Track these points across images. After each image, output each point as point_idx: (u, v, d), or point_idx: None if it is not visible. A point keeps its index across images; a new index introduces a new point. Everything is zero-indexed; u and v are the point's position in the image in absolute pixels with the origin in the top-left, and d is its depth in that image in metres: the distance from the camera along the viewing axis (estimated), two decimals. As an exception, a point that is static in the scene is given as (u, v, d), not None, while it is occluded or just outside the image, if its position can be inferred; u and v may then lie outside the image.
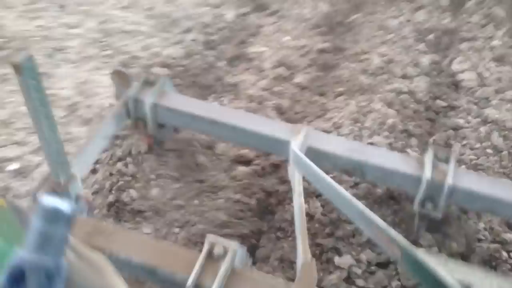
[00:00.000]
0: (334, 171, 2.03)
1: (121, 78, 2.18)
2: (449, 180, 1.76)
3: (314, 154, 1.93)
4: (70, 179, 1.74)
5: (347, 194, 1.52)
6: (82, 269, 0.92)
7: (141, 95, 2.12)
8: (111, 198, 2.09)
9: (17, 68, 1.39)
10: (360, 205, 1.44)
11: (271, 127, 2.04)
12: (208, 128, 2.12)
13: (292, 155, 1.88)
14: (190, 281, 1.43)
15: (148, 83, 2.17)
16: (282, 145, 1.96)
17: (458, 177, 1.78)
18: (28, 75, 1.41)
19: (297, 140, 1.92)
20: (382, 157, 1.91)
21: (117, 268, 1.66)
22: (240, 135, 2.07)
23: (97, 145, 1.99)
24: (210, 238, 1.54)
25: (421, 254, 1.20)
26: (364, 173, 1.92)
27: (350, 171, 1.95)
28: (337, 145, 1.96)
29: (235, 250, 1.52)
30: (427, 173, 1.79)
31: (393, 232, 1.28)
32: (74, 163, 1.82)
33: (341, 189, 1.56)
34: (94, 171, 2.22)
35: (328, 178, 1.63)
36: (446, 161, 1.83)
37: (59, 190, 1.75)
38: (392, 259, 1.29)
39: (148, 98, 2.10)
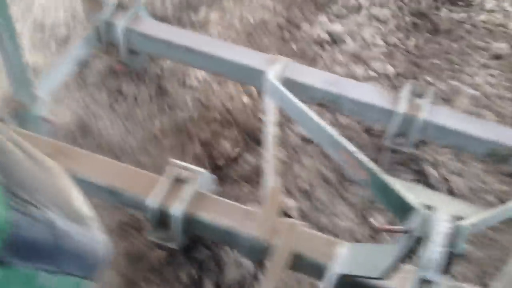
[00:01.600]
0: (310, 104, 1.98)
1: (92, 0, 2.07)
2: (422, 115, 1.74)
3: (290, 85, 1.87)
4: (34, 100, 1.67)
5: (319, 119, 1.48)
6: (30, 167, 0.85)
7: (113, 19, 2.02)
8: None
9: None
10: (330, 129, 1.41)
11: (247, 56, 1.97)
12: (183, 56, 2.04)
13: (268, 84, 1.82)
14: (151, 202, 1.40)
15: (122, 7, 2.06)
16: (258, 75, 1.89)
17: (431, 113, 1.76)
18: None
19: (274, 70, 1.85)
20: (358, 90, 1.87)
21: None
22: (216, 64, 1.99)
23: (64, 68, 1.91)
24: (174, 162, 1.51)
25: (388, 178, 1.18)
26: (340, 106, 1.89)
27: (327, 104, 1.91)
28: (314, 78, 1.91)
29: (200, 174, 1.50)
30: (401, 107, 1.76)
31: (362, 157, 1.25)
32: (39, 84, 1.75)
33: (314, 115, 1.52)
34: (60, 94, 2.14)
35: (302, 105, 1.59)
36: (422, 96, 1.80)
37: (22, 110, 1.69)
38: (361, 183, 1.27)
39: (121, 22, 2.00)
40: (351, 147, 1.31)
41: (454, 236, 0.99)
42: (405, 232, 1.04)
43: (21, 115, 1.68)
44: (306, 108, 1.56)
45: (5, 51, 1.50)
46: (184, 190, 1.45)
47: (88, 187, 1.50)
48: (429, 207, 1.06)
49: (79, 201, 0.75)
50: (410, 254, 1.03)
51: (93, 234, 0.72)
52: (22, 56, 1.57)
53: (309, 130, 1.59)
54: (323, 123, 1.46)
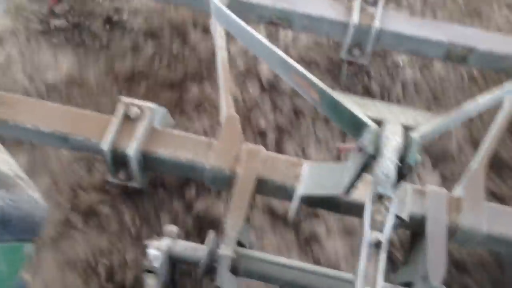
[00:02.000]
0: (260, 23, 1.90)
1: None
2: (376, 24, 1.69)
3: (237, 5, 1.78)
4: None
5: (267, 42, 1.42)
6: None
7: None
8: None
9: None
10: (280, 52, 1.35)
11: None
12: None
13: (213, 7, 1.72)
14: (105, 144, 1.36)
15: None
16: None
17: (385, 20, 1.71)
18: None
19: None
20: (309, 4, 1.79)
21: (26, 139, 1.57)
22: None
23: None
24: (124, 100, 1.44)
25: (338, 95, 1.16)
26: (291, 23, 1.81)
27: (277, 22, 1.83)
28: None
29: (153, 110, 1.45)
30: (354, 18, 1.71)
31: (311, 77, 1.22)
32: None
33: (262, 38, 1.45)
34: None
35: (248, 28, 1.51)
36: (374, 4, 1.74)
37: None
38: (313, 103, 1.25)
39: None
40: (300, 68, 1.26)
41: (406, 148, 0.99)
42: (359, 149, 1.04)
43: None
44: (253, 31, 1.49)
45: None
46: (137, 128, 1.41)
47: (37, 136, 1.44)
48: (380, 122, 1.06)
49: (1, 161, 0.71)
50: (365, 170, 1.04)
51: (22, 197, 0.68)
52: None
53: (258, 53, 1.53)
54: (271, 45, 1.40)
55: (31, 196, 0.73)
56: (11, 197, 0.68)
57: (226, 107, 1.50)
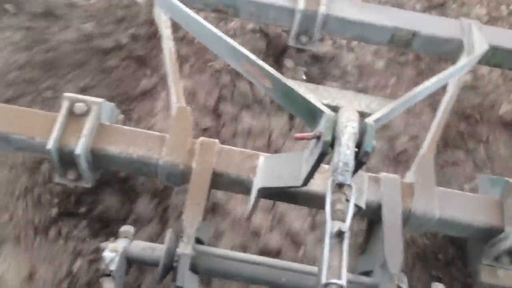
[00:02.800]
0: (206, 11, 1.85)
1: None
2: (322, 9, 1.69)
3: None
4: None
5: (216, 30, 1.38)
6: None
7: None
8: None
9: None
10: (230, 40, 1.32)
11: None
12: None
13: (157, -5, 1.67)
14: (50, 143, 1.28)
15: None
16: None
17: (330, 5, 1.72)
18: None
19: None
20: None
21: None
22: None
23: None
24: (67, 95, 1.37)
25: (291, 83, 1.15)
26: (237, 10, 1.79)
27: (222, 10, 1.80)
28: None
29: (99, 105, 1.38)
30: (300, 4, 1.70)
31: (263, 64, 1.20)
32: None
33: (210, 26, 1.41)
34: None
35: (195, 16, 1.47)
36: (320, -9, 1.74)
37: None
38: (265, 91, 1.23)
39: None
40: (251, 55, 1.24)
41: (362, 134, 1.00)
42: (316, 137, 1.04)
43: None
44: (200, 19, 1.44)
45: None
46: (84, 125, 1.34)
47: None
48: (335, 108, 1.05)
49: None
50: (322, 158, 1.04)
51: None
52: None
53: (207, 42, 1.49)
54: (220, 33, 1.36)
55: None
56: None
57: (177, 99, 1.46)
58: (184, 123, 1.41)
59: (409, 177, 1.44)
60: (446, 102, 1.53)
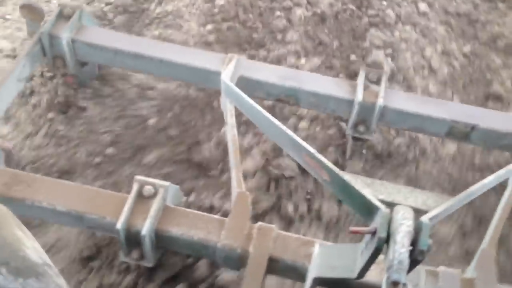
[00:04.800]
0: (268, 100, 1.98)
1: (32, 12, 1.98)
2: (380, 101, 1.76)
3: (246, 83, 1.87)
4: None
5: (278, 123, 1.48)
6: None
7: (56, 30, 1.94)
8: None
9: None
10: (290, 133, 1.41)
11: (200, 58, 1.94)
12: (134, 63, 1.99)
13: (223, 85, 1.81)
14: (119, 224, 1.38)
15: (64, 16, 1.98)
16: (213, 76, 1.88)
17: (388, 98, 1.79)
18: None
19: (228, 70, 1.83)
20: (315, 82, 1.87)
21: (42, 218, 1.60)
22: (168, 68, 1.96)
23: (11, 89, 1.83)
24: (138, 178, 1.48)
25: (348, 177, 1.20)
26: (298, 100, 1.89)
27: (284, 99, 1.91)
28: (269, 73, 1.90)
29: (166, 188, 1.48)
30: (359, 96, 1.78)
31: (321, 157, 1.26)
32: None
33: (272, 117, 1.52)
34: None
35: (257, 106, 1.58)
36: (378, 82, 1.82)
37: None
38: (323, 183, 1.28)
39: (65, 33, 1.93)
40: (310, 149, 1.31)
41: (417, 233, 1.02)
42: (371, 233, 1.06)
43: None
44: (262, 110, 1.55)
45: None
46: (151, 207, 1.44)
47: (53, 215, 1.47)
48: (391, 204, 1.08)
49: (31, 249, 0.74)
50: (378, 253, 1.06)
51: (50, 285, 0.70)
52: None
53: (268, 131, 1.59)
54: (281, 125, 1.45)
55: (58, 284, 0.75)
56: (40, 286, 0.70)
57: (237, 185, 1.54)
58: (243, 208, 1.48)
59: (469, 272, 1.40)
60: (506, 198, 1.51)
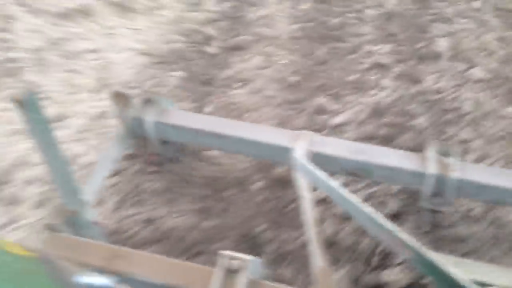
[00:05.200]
0: (340, 173, 2.05)
1: (121, 98, 2.21)
2: (454, 174, 1.79)
3: (318, 159, 1.95)
4: (83, 206, 1.77)
5: (356, 199, 1.54)
6: None
7: (142, 114, 2.15)
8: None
9: (20, 103, 1.42)
10: (369, 210, 1.46)
11: (272, 135, 2.07)
12: (210, 141, 2.14)
13: (296, 162, 1.90)
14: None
15: (149, 101, 2.20)
16: (285, 153, 1.98)
17: (462, 170, 1.81)
18: (31, 109, 1.44)
19: (300, 146, 1.94)
20: (386, 156, 1.93)
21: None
22: (244, 146, 2.09)
23: (105, 169, 2.02)
24: (224, 253, 1.57)
25: (433, 254, 1.22)
26: (371, 174, 1.95)
27: (357, 173, 1.97)
28: (340, 148, 1.98)
29: (251, 262, 1.55)
30: (432, 169, 1.81)
31: (403, 235, 1.30)
32: (85, 189, 1.85)
33: (349, 194, 1.58)
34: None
35: (335, 184, 1.65)
36: (449, 155, 1.85)
37: (73, 217, 1.78)
38: (407, 261, 1.31)
39: (150, 117, 2.13)
40: (391, 226, 1.35)
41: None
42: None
43: (73, 222, 1.77)
44: (339, 186, 1.62)
45: (50, 163, 1.61)
46: (238, 280, 1.51)
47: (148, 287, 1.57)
48: (483, 285, 1.10)
49: None
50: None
51: None
52: (66, 166, 1.67)
53: (345, 207, 1.65)
54: (359, 201, 1.51)
55: None
56: None
57: (319, 260, 1.58)
58: (326, 283, 1.52)
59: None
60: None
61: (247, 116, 2.54)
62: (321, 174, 1.75)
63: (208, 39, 2.97)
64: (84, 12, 3.13)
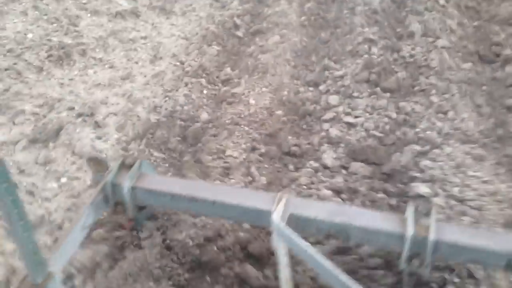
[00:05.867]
0: (318, 235, 2.00)
1: (97, 164, 2.19)
2: (432, 236, 1.75)
3: (296, 221, 1.92)
4: (48, 279, 1.69)
5: (331, 265, 1.50)
6: None
7: (119, 180, 2.11)
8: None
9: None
10: (343, 276, 1.41)
11: (251, 198, 2.04)
12: (189, 206, 2.10)
13: (274, 225, 1.87)
14: None
15: (125, 166, 2.17)
16: (264, 216, 1.94)
17: (440, 231, 1.78)
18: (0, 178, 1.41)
19: (278, 209, 1.91)
20: (364, 218, 1.90)
21: None
22: (221, 210, 2.05)
23: (75, 237, 1.95)
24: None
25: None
26: (349, 236, 1.91)
27: (335, 235, 1.93)
28: (318, 210, 1.95)
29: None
30: (410, 230, 1.78)
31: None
32: (52, 260, 1.78)
33: (325, 260, 1.54)
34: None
35: (312, 249, 1.62)
36: (427, 215, 1.83)
37: (38, 291, 1.70)
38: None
39: (126, 182, 2.09)
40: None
41: None
42: None
43: (38, 296, 1.69)
44: (315, 252, 1.58)
45: (16, 234, 1.55)
46: None
47: None
48: None
49: None
50: None
51: None
52: (32, 237, 1.61)
53: (320, 272, 1.60)
54: (335, 268, 1.47)
55: None
56: None
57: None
58: None
59: None
60: None
61: (272, 71, 3.39)
62: (298, 239, 1.71)
63: (236, 26, 4.04)
64: (133, 13, 4.23)
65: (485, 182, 2.34)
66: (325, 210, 1.96)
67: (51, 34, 3.82)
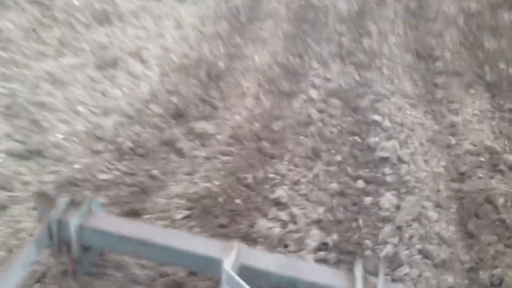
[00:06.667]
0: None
1: (44, 199, 2.10)
2: None
3: (247, 272, 1.90)
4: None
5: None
6: None
7: (66, 217, 2.03)
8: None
9: None
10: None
11: (202, 245, 2.01)
12: (138, 249, 2.05)
13: (225, 275, 1.84)
14: None
15: (74, 203, 2.10)
16: (215, 264, 1.92)
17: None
18: None
19: (229, 258, 1.89)
20: (314, 272, 1.92)
21: None
22: (171, 255, 2.01)
23: (15, 275, 1.84)
24: None
25: None
26: (297, 288, 1.91)
27: (284, 288, 1.93)
28: (269, 262, 1.95)
29: None
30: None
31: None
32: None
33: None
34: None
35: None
36: (376, 274, 1.86)
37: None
38: None
39: (74, 220, 2.02)
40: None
41: None
42: None
43: None
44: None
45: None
46: None
47: None
48: None
49: None
50: None
51: None
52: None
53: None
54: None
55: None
56: None
57: None
58: None
59: None
60: None
61: (270, 42, 4.51)
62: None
63: (239, 12, 4.96)
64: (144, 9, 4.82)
65: (417, 118, 3.62)
66: (276, 263, 1.95)
67: (94, 2, 4.63)
